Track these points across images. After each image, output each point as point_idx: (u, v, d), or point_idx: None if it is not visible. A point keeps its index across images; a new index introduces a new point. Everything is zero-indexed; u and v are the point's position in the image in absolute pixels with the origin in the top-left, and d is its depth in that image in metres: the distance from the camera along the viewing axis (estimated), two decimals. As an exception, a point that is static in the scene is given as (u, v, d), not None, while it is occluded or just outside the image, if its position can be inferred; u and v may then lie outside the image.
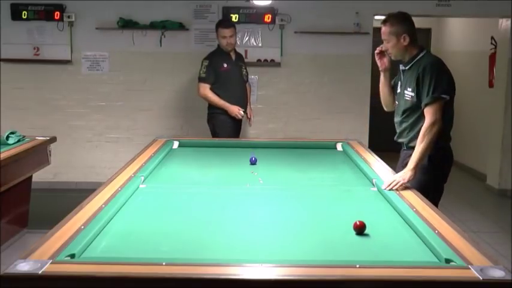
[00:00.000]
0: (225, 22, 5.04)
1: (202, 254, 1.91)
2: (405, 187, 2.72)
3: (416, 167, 2.85)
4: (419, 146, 2.89)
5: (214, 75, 4.91)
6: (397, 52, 3.08)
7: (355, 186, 2.92)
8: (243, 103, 5.03)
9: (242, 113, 4.94)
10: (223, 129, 4.94)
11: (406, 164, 2.96)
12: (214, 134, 4.99)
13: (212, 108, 4.99)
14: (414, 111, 3.04)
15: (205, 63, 4.95)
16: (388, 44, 3.07)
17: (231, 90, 4.94)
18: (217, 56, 4.99)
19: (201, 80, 4.93)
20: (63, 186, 5.87)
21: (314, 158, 3.72)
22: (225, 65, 4.93)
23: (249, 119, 5.18)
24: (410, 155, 2.97)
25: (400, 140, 3.20)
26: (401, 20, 3.05)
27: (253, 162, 3.20)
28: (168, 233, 2.15)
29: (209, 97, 4.94)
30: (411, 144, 3.05)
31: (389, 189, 2.68)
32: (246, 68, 5.16)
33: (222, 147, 4.03)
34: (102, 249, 1.94)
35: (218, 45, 5.00)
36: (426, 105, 2.92)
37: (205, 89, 4.92)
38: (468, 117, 7.09)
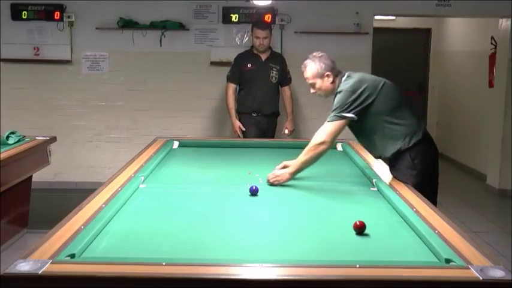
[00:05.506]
0: (261, 23, 5.02)
1: (202, 254, 1.91)
2: (404, 186, 2.71)
3: (294, 174, 2.89)
4: (303, 157, 2.89)
5: (238, 74, 4.97)
6: (327, 91, 3.04)
7: (355, 186, 2.92)
8: (267, 105, 4.99)
9: (240, 131, 4.96)
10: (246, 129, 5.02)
11: (397, 168, 2.92)
12: None
13: (238, 107, 5.07)
14: (358, 132, 3.02)
15: (233, 62, 5.05)
16: (316, 88, 3.03)
17: (253, 91, 4.96)
18: (244, 55, 5.05)
19: (226, 78, 5.06)
20: (63, 186, 5.87)
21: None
22: (249, 65, 4.96)
23: (287, 129, 5.14)
24: (396, 158, 2.91)
25: (377, 156, 3.14)
26: (316, 61, 3.00)
27: (253, 191, 2.70)
28: (168, 233, 2.14)
29: (226, 97, 5.04)
30: (387, 155, 2.96)
31: (269, 184, 2.84)
32: (280, 70, 5.04)
33: (222, 147, 4.03)
34: (102, 249, 1.93)
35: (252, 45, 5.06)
36: (327, 122, 2.89)
37: (228, 88, 5.04)
38: (468, 117, 7.09)
